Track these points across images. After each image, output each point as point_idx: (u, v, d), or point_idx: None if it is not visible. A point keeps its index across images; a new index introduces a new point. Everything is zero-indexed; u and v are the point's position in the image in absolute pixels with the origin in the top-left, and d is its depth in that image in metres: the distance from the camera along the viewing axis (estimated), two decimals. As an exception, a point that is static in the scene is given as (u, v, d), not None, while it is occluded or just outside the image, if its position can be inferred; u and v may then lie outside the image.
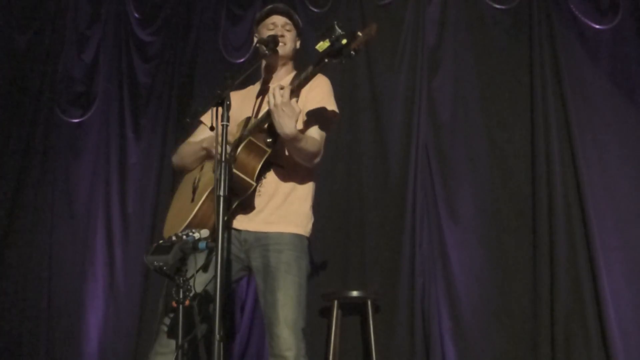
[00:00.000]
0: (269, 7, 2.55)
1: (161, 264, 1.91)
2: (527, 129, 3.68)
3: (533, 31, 3.76)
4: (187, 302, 1.94)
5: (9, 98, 4.47)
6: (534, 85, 3.69)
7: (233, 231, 2.33)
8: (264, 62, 2.50)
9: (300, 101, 2.36)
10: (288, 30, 2.49)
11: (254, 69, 2.43)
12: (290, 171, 2.36)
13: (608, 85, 3.65)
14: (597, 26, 3.73)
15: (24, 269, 4.17)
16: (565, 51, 3.69)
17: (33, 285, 4.14)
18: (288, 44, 2.47)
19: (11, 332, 4.08)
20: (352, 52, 2.02)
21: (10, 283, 4.17)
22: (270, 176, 2.34)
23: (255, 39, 2.52)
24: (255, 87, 2.55)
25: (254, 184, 2.23)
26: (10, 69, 4.52)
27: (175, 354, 1.94)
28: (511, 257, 3.58)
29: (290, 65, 2.53)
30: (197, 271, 2.01)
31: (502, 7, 3.87)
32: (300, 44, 2.59)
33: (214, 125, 2.02)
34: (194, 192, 2.35)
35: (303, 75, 2.17)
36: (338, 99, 2.49)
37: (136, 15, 4.50)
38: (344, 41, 2.01)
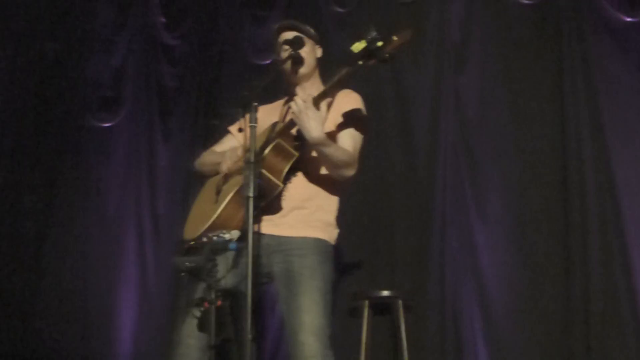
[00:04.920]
0: (276, 26, 2.51)
1: (192, 264, 1.93)
2: (557, 125, 3.62)
3: (561, 25, 3.70)
4: (219, 303, 1.95)
5: (42, 104, 4.56)
6: (563, 80, 3.63)
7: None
8: (289, 78, 2.46)
9: (331, 115, 2.34)
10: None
11: (280, 81, 2.43)
12: (316, 179, 2.34)
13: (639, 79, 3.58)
14: (628, 18, 3.66)
15: (59, 270, 4.25)
16: (594, 44, 3.63)
17: (68, 285, 4.21)
18: (306, 58, 2.41)
19: (47, 332, 4.16)
20: (386, 55, 2.00)
21: (46, 284, 4.25)
22: (296, 181, 2.32)
23: (278, 55, 2.47)
24: (283, 100, 2.55)
25: (281, 185, 2.21)
26: (42, 76, 4.60)
27: (208, 354, 1.95)
28: (542, 256, 3.52)
29: (315, 75, 2.49)
30: (228, 272, 2.03)
31: (529, 1, 3.81)
32: (323, 44, 2.56)
33: (242, 127, 2.03)
34: (217, 194, 2.34)
35: (337, 77, 2.14)
36: (364, 98, 2.49)
37: (162, 19, 4.55)
38: (380, 43, 2.00)
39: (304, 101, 2.12)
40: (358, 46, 2.04)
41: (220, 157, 2.41)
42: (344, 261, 3.62)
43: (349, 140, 2.33)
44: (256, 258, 2.22)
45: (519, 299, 3.49)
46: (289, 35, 2.43)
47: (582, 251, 3.40)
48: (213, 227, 2.17)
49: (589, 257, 3.37)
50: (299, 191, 2.32)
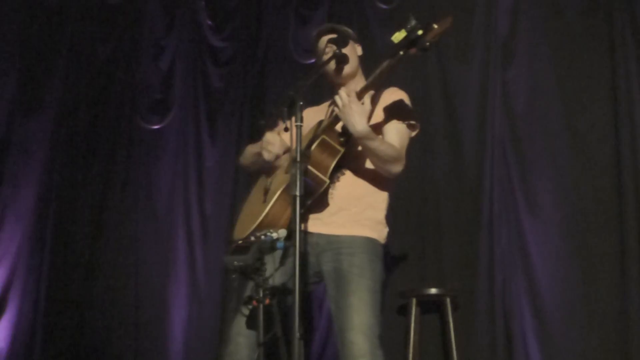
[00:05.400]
0: (315, 32, 2.53)
1: (241, 263, 1.96)
2: (610, 116, 3.51)
3: (613, 12, 3.58)
4: (267, 301, 1.98)
5: (94, 107, 4.70)
6: (616, 70, 3.52)
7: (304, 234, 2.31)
8: (334, 78, 2.47)
9: (377, 112, 2.34)
10: None
11: (325, 80, 2.44)
12: (364, 177, 2.34)
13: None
14: (683, 4, 3.52)
15: (112, 271, 4.37)
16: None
17: (121, 285, 4.32)
18: (349, 56, 2.41)
19: (101, 329, 4.29)
20: (427, 43, 1.99)
21: (99, 283, 4.38)
22: (344, 180, 2.33)
23: (323, 51, 2.47)
24: (328, 102, 2.57)
25: (327, 181, 2.22)
26: (94, 80, 4.74)
27: (257, 352, 1.98)
28: (596, 251, 3.42)
29: (359, 74, 2.50)
30: (276, 270, 2.05)
31: (578, -12, 3.72)
32: (368, 42, 2.56)
33: (288, 126, 2.05)
34: (265, 193, 2.37)
35: (379, 70, 2.15)
36: (410, 94, 2.48)
37: (209, 22, 4.62)
38: (420, 32, 1.99)
39: (348, 95, 2.13)
40: (398, 36, 2.04)
41: (259, 146, 2.42)
42: (392, 259, 3.61)
43: (395, 135, 2.32)
44: (304, 256, 2.24)
45: (571, 297, 3.41)
46: (330, 37, 2.43)
47: (638, 246, 3.29)
48: (261, 226, 2.20)
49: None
50: (348, 190, 2.32)
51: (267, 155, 2.35)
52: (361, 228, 2.31)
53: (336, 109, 2.18)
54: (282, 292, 2.18)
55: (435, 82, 3.88)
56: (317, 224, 2.31)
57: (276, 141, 2.35)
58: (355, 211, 2.32)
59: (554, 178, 3.57)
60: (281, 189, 2.23)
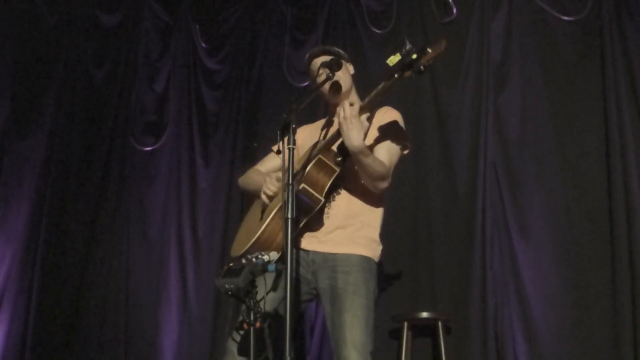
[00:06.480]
0: (307, 55, 2.59)
1: (232, 286, 1.95)
2: (602, 143, 3.55)
3: (604, 41, 3.63)
4: (257, 324, 1.97)
5: (88, 129, 4.70)
6: (607, 97, 3.56)
7: (301, 252, 2.36)
8: (329, 99, 2.52)
9: (371, 131, 2.37)
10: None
11: (319, 98, 2.45)
12: (360, 196, 2.38)
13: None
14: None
15: (102, 292, 4.33)
16: (638, 60, 3.55)
17: (111, 307, 4.29)
18: (342, 78, 2.45)
19: (91, 352, 4.23)
20: (422, 67, 2.03)
21: (89, 305, 4.33)
22: (340, 199, 2.37)
23: (316, 73, 2.52)
24: (323, 121, 2.62)
25: (323, 199, 2.26)
26: (88, 101, 4.75)
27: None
28: (588, 276, 3.43)
29: (353, 92, 2.55)
30: (267, 293, 2.04)
31: (570, 18, 3.76)
32: (362, 66, 2.59)
33: (280, 148, 2.06)
34: (262, 211, 2.40)
35: (374, 92, 2.19)
36: (404, 117, 2.50)
37: (203, 45, 4.65)
38: (414, 55, 2.03)
39: (351, 106, 2.17)
40: (393, 59, 2.07)
41: (262, 180, 2.46)
42: (385, 282, 3.60)
43: (386, 153, 2.36)
44: (295, 280, 2.26)
45: (563, 320, 3.40)
46: (323, 59, 2.47)
47: (629, 270, 3.29)
48: (257, 243, 2.24)
49: (636, 277, 3.26)
50: (344, 208, 2.37)
51: (264, 197, 2.38)
52: (357, 246, 2.35)
53: (338, 115, 2.20)
54: (274, 315, 2.18)
55: (429, 105, 3.92)
56: (313, 241, 2.35)
57: (276, 187, 2.37)
58: (352, 230, 2.36)
59: (546, 202, 3.59)
60: (277, 208, 2.26)
